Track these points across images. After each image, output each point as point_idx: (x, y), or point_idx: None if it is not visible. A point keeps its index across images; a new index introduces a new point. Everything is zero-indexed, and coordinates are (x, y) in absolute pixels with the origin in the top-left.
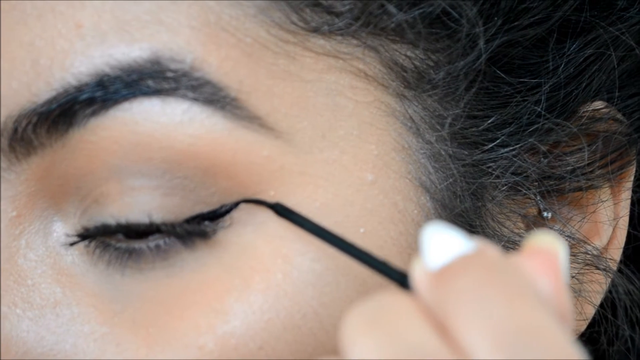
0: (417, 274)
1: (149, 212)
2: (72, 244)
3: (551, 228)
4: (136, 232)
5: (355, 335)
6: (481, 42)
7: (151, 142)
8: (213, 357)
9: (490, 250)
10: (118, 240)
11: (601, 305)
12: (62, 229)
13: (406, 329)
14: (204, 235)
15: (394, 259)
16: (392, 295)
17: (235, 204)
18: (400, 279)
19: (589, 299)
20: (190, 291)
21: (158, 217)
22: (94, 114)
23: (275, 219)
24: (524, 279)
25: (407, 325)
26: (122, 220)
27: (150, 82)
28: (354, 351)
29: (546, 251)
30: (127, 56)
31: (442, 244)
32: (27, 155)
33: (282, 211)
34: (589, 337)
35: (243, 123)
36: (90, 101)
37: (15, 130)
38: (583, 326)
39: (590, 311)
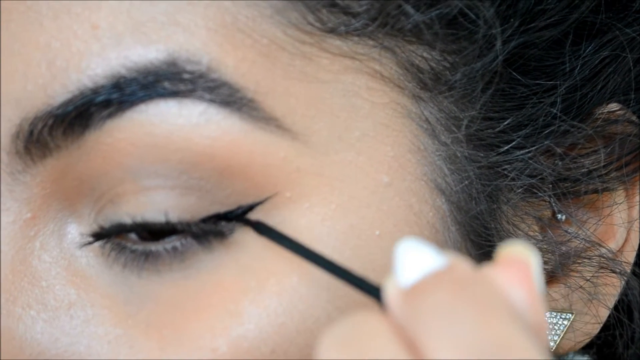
0: (390, 291)
1: (165, 210)
2: (86, 244)
3: (566, 230)
4: (152, 231)
5: (328, 355)
6: (498, 43)
7: (167, 143)
8: None
9: (460, 265)
10: (134, 243)
11: (616, 308)
12: (76, 231)
13: (377, 348)
14: (221, 235)
15: None
16: (364, 314)
17: (250, 208)
18: (378, 295)
19: (604, 302)
20: (206, 293)
21: (174, 215)
22: (110, 116)
23: (291, 221)
24: (495, 293)
25: (378, 345)
26: (138, 218)
27: (166, 84)
28: None
29: (518, 261)
30: (143, 58)
31: (414, 260)
32: (42, 157)
33: (263, 230)
34: (604, 341)
35: (260, 124)
36: (107, 103)
37: (31, 132)
38: (597, 329)
39: (604, 314)
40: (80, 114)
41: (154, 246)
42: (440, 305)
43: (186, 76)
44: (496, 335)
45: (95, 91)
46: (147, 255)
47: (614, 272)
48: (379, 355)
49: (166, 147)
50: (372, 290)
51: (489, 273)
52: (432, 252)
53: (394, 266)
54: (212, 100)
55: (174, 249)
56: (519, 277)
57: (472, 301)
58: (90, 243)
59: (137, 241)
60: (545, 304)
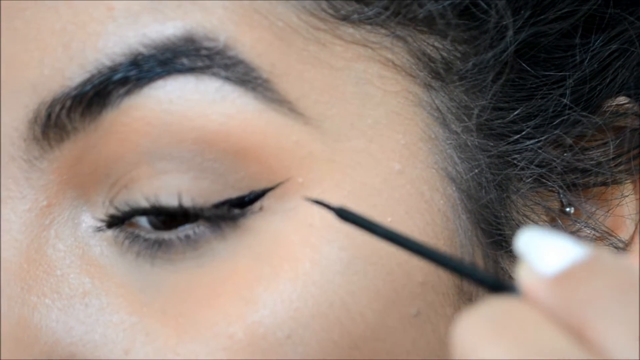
0: (530, 281)
1: (179, 194)
2: (100, 230)
3: (575, 221)
4: (165, 214)
5: (480, 342)
6: (509, 34)
7: (183, 122)
8: (242, 346)
9: (605, 253)
10: (147, 232)
11: None
12: (90, 220)
13: (538, 333)
14: (233, 220)
15: None
16: (509, 301)
17: (262, 192)
18: (497, 286)
19: None
20: (220, 280)
21: (187, 199)
22: (127, 93)
23: (304, 207)
24: None
25: (538, 330)
26: (152, 199)
27: (184, 60)
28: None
29: None
30: (161, 34)
31: (552, 250)
32: (60, 141)
33: (345, 215)
34: None
35: (273, 106)
36: (124, 80)
37: (49, 116)
38: None
39: None
40: (98, 93)
41: (167, 235)
42: (607, 289)
43: (204, 52)
44: None
45: (114, 69)
46: (161, 244)
47: None
48: (543, 339)
49: (182, 125)
50: (487, 280)
51: (633, 263)
52: (569, 241)
53: (525, 255)
54: (227, 78)
55: (187, 237)
56: None
57: (636, 285)
58: (103, 229)
59: (150, 230)
60: None
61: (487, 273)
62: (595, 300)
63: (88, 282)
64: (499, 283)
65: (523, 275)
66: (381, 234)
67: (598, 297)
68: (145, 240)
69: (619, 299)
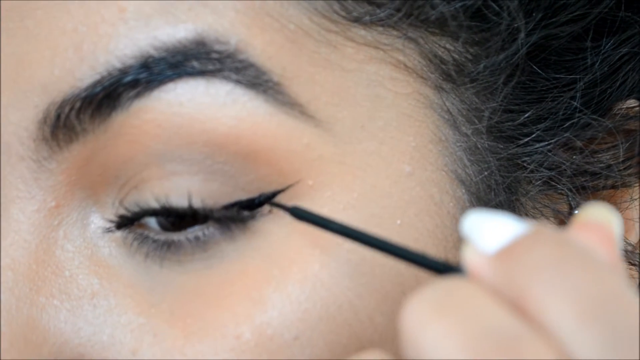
0: (473, 260)
1: (189, 196)
2: (109, 230)
3: None
4: (175, 215)
5: (423, 322)
6: (521, 36)
7: (194, 124)
8: (249, 347)
9: (546, 228)
10: (156, 233)
11: None
12: (99, 221)
13: (479, 310)
14: (243, 222)
15: (430, 252)
16: (453, 281)
17: (273, 195)
18: (444, 269)
19: None
20: (229, 281)
21: (197, 200)
22: (137, 95)
23: (313, 209)
24: (590, 251)
25: (479, 307)
26: (162, 200)
27: (195, 63)
28: (424, 339)
29: (600, 224)
30: (172, 37)
31: (494, 228)
32: (69, 142)
33: (299, 214)
34: None
35: (284, 109)
36: (135, 83)
37: (58, 116)
38: None
39: None
40: (108, 95)
41: (176, 236)
42: (544, 263)
43: (214, 56)
44: (607, 287)
45: (124, 71)
46: (170, 245)
47: (632, 264)
48: (484, 316)
49: (192, 127)
50: (436, 265)
51: (574, 235)
52: (511, 219)
53: (469, 236)
54: (238, 81)
55: (197, 238)
56: (601, 239)
57: (574, 257)
58: (112, 230)
59: (159, 231)
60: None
61: (435, 258)
62: (534, 272)
63: (96, 283)
64: (445, 265)
65: (467, 255)
66: (334, 230)
67: (536, 268)
68: (154, 241)
69: (557, 269)
